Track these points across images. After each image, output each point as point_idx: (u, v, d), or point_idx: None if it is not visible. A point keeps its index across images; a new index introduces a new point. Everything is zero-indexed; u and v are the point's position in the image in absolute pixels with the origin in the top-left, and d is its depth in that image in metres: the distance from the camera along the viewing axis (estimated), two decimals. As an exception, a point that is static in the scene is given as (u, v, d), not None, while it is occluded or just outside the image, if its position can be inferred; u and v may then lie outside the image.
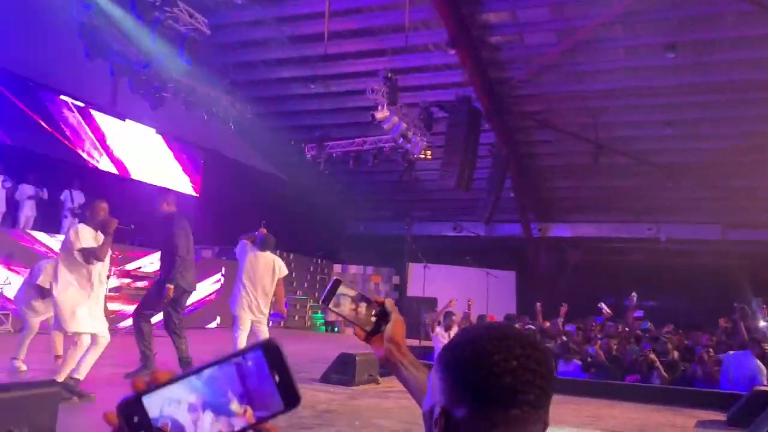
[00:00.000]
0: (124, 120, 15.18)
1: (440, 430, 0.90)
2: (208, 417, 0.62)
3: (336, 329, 19.04)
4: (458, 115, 13.94)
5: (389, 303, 1.24)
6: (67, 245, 5.31)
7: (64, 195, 12.67)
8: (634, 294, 11.62)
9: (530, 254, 19.84)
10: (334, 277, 1.25)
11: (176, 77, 12.00)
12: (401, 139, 13.09)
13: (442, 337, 9.37)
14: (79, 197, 12.68)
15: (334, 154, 15.73)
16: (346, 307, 1.21)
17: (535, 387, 0.87)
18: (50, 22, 11.54)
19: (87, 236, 5.24)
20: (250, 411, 0.63)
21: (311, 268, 20.43)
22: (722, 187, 15.69)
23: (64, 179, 12.86)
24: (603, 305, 11.94)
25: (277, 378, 0.62)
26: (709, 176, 15.39)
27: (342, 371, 7.04)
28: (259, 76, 15.82)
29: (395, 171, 17.27)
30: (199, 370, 0.63)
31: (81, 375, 5.10)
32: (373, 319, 1.21)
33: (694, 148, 15.23)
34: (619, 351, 9.31)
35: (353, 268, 21.04)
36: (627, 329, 10.75)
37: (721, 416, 6.48)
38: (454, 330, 9.56)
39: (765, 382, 7.45)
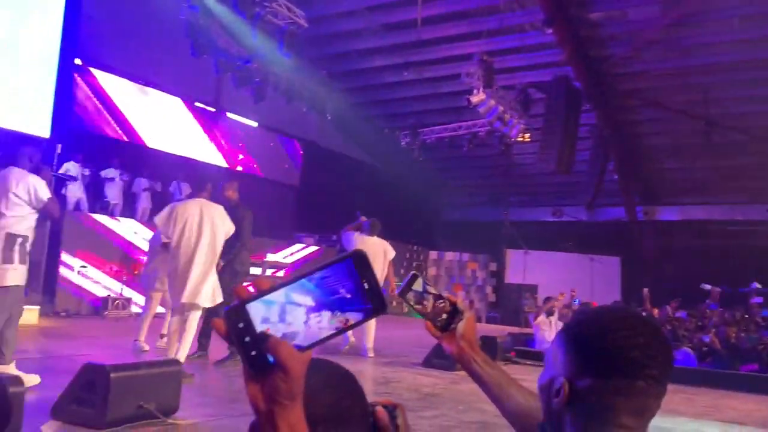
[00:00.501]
0: (227, 114, 15.86)
1: (563, 398, 0.96)
2: (324, 315, 0.65)
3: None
4: (557, 95, 13.52)
5: (461, 302, 1.28)
6: (225, 227, 5.72)
7: (173, 186, 13.40)
8: (756, 284, 10.92)
9: (635, 239, 19.02)
10: (412, 272, 1.29)
11: (277, 71, 12.38)
12: (498, 123, 12.88)
13: (544, 325, 9.21)
14: (186, 188, 13.37)
15: (429, 141, 15.72)
16: (421, 301, 1.25)
17: (659, 363, 0.94)
18: (158, 24, 12.21)
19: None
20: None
21: (407, 255, 20.57)
22: None
23: (171, 173, 13.56)
24: (707, 285, 11.31)
25: (366, 285, 0.66)
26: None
27: (443, 356, 7.05)
28: (353, 66, 16.02)
29: (491, 155, 17.04)
30: (302, 276, 0.65)
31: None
32: (445, 316, 1.25)
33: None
34: (736, 339, 8.78)
35: (449, 255, 20.98)
36: (746, 316, 10.12)
37: None
38: (555, 317, 9.38)
39: None
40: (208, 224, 5.59)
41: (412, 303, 1.25)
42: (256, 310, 0.62)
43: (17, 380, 3.31)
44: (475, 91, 11.70)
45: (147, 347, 6.57)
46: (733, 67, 13.00)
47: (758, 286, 10.94)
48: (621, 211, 18.63)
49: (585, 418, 0.95)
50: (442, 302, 1.26)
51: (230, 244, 6.15)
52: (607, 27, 13.06)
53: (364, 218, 7.58)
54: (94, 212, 11.68)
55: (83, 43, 10.97)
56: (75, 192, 11.60)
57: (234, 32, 11.03)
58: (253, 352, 0.62)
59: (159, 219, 5.63)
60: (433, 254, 20.98)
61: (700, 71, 13.41)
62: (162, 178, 13.28)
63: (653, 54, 13.37)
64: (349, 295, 0.65)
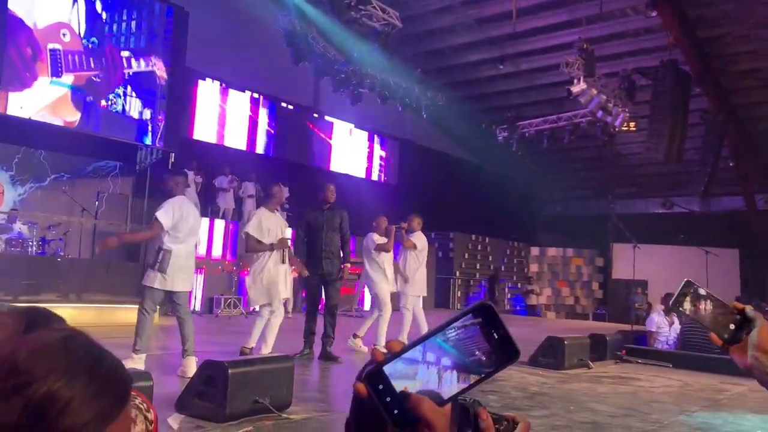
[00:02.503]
0: (326, 118, 16.26)
1: None
2: (455, 375, 0.66)
3: (538, 314, 18.68)
4: (664, 81, 12.83)
5: (751, 309, 1.16)
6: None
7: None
8: None
9: (755, 229, 17.71)
10: (686, 279, 1.21)
11: (372, 72, 12.54)
12: (600, 112, 12.40)
13: (662, 324, 8.80)
14: (286, 192, 13.81)
15: (527, 134, 15.39)
16: (700, 310, 1.18)
17: None
18: (257, 34, 12.69)
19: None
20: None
21: (507, 251, 20.25)
22: None
23: (273, 176, 14.06)
24: None
25: (495, 335, 0.66)
26: None
27: (550, 354, 6.90)
28: (448, 62, 15.96)
29: (593, 147, 16.45)
30: (437, 332, 0.67)
31: None
32: (732, 326, 1.15)
33: None
34: None
35: (552, 251, 20.45)
36: None
37: None
38: (675, 315, 8.91)
39: None
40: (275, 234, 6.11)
41: (690, 312, 1.18)
42: (393, 371, 0.66)
43: (146, 375, 3.56)
44: (575, 80, 11.34)
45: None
46: None
47: None
48: (738, 201, 17.44)
49: None
50: (726, 310, 1.16)
51: (331, 243, 6.61)
52: (718, 4, 12.27)
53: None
54: (206, 217, 12.32)
55: (191, 53, 11.57)
56: (190, 197, 12.27)
57: (330, 37, 11.28)
58: (396, 411, 0.65)
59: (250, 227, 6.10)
60: (534, 250, 20.53)
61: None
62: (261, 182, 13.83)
63: (770, 30, 12.41)
64: (484, 358, 0.67)
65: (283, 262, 6.06)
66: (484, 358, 0.67)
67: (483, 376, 0.67)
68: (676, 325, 8.67)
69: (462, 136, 18.82)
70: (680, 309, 1.17)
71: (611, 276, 18.93)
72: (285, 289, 6.09)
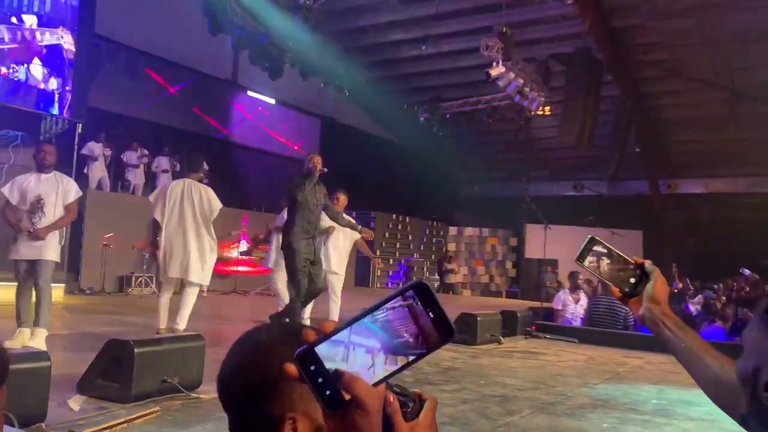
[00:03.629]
0: (246, 92, 15.86)
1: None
2: (386, 355, 0.66)
3: (454, 291, 19.11)
4: (578, 67, 13.30)
5: (649, 264, 1.20)
6: (208, 206, 6.00)
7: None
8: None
9: (658, 212, 18.78)
10: (589, 236, 1.24)
11: (293, 47, 12.30)
12: (517, 96, 12.72)
13: (569, 301, 9.18)
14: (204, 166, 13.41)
15: (448, 115, 15.59)
16: (602, 265, 1.20)
17: None
18: (175, 3, 12.16)
19: None
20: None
21: (426, 231, 20.55)
22: None
23: (187, 150, 13.60)
24: (746, 270, 11.10)
25: (431, 314, 0.66)
26: None
27: (464, 331, 7.07)
28: (371, 40, 15.86)
29: (511, 130, 16.86)
30: (365, 315, 0.66)
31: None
32: (632, 280, 1.19)
33: None
34: None
35: (469, 231, 20.92)
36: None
37: None
38: (581, 292, 9.32)
39: None
40: (189, 204, 5.87)
41: (592, 267, 1.21)
42: (323, 352, 0.65)
43: (44, 355, 3.37)
44: (494, 64, 11.54)
45: None
46: (760, 36, 12.64)
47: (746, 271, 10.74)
48: (643, 185, 18.40)
49: None
50: (626, 265, 1.19)
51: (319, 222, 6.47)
52: (630, -4, 12.78)
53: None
54: (116, 191, 11.80)
55: (100, 15, 10.92)
56: (97, 171, 11.72)
57: (250, 9, 10.95)
58: (328, 392, 0.64)
59: (151, 197, 6.10)
60: (453, 230, 20.94)
61: (725, 40, 13.06)
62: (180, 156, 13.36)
63: (677, 23, 13.04)
64: (412, 339, 0.66)
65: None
66: (412, 340, 0.66)
67: (415, 357, 0.67)
68: (582, 302, 9.08)
69: (384, 116, 18.83)
70: (583, 264, 1.20)
71: (524, 255, 19.59)
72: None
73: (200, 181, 6.13)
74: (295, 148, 17.11)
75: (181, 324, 5.69)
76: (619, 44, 13.72)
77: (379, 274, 17.71)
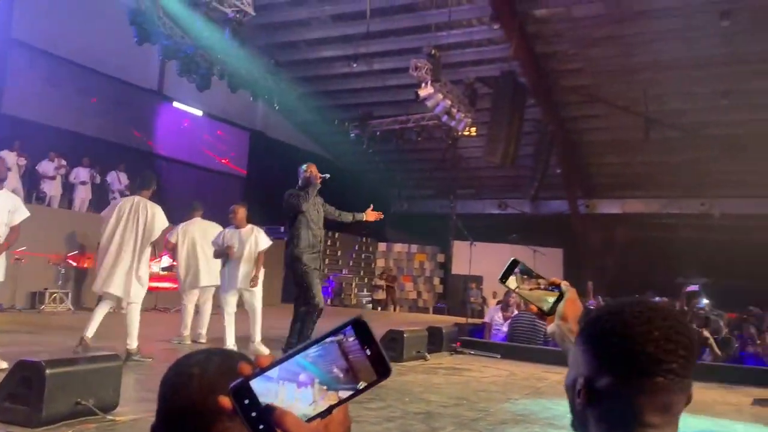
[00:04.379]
0: (172, 103, 15.49)
1: (583, 399, 0.94)
2: (317, 391, 0.66)
3: (381, 308, 19.19)
4: (503, 90, 13.75)
5: (565, 284, 1.28)
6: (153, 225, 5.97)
7: (111, 177, 12.98)
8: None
9: (577, 231, 19.54)
10: (513, 257, 1.31)
11: (222, 59, 12.14)
12: (445, 116, 13.00)
13: (498, 318, 9.38)
14: (124, 179, 12.98)
15: (378, 133, 15.74)
16: (523, 285, 1.27)
17: (678, 356, 0.89)
18: (100, 11, 11.80)
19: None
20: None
21: (356, 247, 20.60)
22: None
23: (110, 162, 13.13)
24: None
25: (368, 351, 0.66)
26: (765, 148, 14.81)
27: (390, 348, 7.10)
28: (302, 56, 15.89)
29: (439, 149, 17.19)
30: (301, 351, 0.67)
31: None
32: (550, 299, 1.26)
33: (749, 120, 14.64)
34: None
35: (398, 247, 21.11)
36: (685, 308, 10.55)
37: (779, 394, 6.31)
38: (513, 309, 9.54)
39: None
40: (135, 222, 5.83)
41: (513, 287, 1.27)
42: (258, 387, 0.65)
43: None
44: (423, 84, 11.77)
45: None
46: (672, 65, 13.46)
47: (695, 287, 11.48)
48: (563, 204, 19.10)
49: (608, 418, 0.92)
50: (546, 285, 1.26)
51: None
52: (553, 24, 13.35)
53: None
54: (30, 203, 11.22)
55: (17, 20, 10.47)
56: (10, 182, 11.11)
57: (178, 19, 10.75)
58: (261, 426, 0.64)
59: (103, 212, 6.05)
60: (382, 246, 21.07)
61: (640, 68, 13.84)
62: (101, 168, 12.88)
63: (597, 51, 13.73)
64: (343, 375, 0.66)
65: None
66: (344, 376, 0.66)
67: (352, 393, 0.67)
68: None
69: (315, 131, 18.83)
70: (506, 284, 1.28)
71: (451, 271, 19.93)
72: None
73: (150, 198, 6.04)
74: (223, 161, 16.85)
75: (132, 343, 5.71)
76: (543, 69, 14.28)
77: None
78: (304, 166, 6.29)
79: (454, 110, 13.01)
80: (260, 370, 0.65)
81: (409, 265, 21.07)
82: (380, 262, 20.86)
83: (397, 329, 7.31)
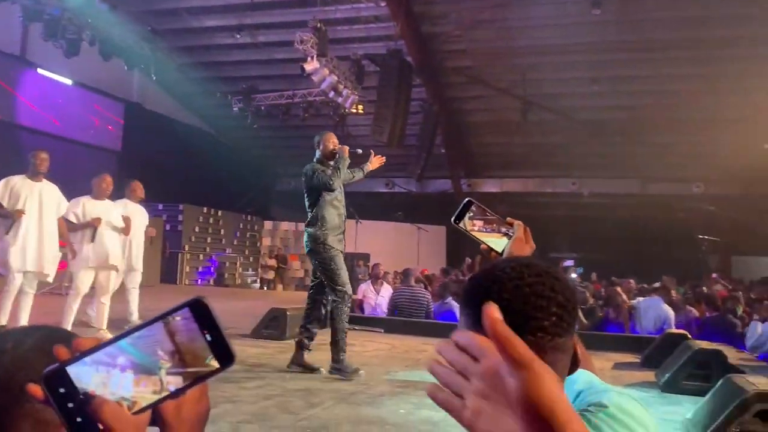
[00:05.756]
0: (37, 70, 14.26)
1: None
2: (138, 377, 0.59)
3: (268, 288, 18.92)
4: (389, 69, 13.81)
5: (517, 224, 1.27)
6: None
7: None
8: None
9: (460, 209, 20.14)
10: (467, 198, 1.31)
11: (92, 23, 11.31)
12: (332, 93, 12.89)
13: (369, 292, 9.52)
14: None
15: (263, 107, 15.36)
16: (476, 225, 1.27)
17: (550, 314, 0.85)
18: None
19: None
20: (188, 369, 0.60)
21: (240, 225, 20.11)
22: (641, 142, 16.29)
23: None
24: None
25: (208, 336, 0.59)
26: (630, 132, 15.95)
27: (273, 326, 7.01)
28: (182, 24, 15.11)
29: (327, 126, 17.04)
30: (126, 334, 0.59)
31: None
32: (504, 240, 1.25)
33: (615, 105, 15.68)
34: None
35: (284, 225, 20.83)
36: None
37: (635, 359, 6.85)
38: (384, 283, 9.68)
39: (673, 326, 7.98)
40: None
41: (465, 228, 1.26)
42: (77, 374, 0.57)
43: None
44: (309, 58, 11.58)
45: None
46: (547, 50, 14.08)
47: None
48: (447, 183, 19.63)
49: None
50: (498, 226, 1.25)
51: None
52: (439, 4, 13.54)
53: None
54: None
55: None
56: None
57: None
58: (79, 419, 0.56)
59: None
60: (268, 224, 20.70)
61: (520, 52, 14.38)
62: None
63: (480, 33, 14.09)
64: (167, 358, 0.58)
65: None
66: (168, 358, 0.59)
67: (190, 383, 0.60)
68: (384, 293, 9.44)
69: (196, 104, 18.08)
70: (459, 225, 1.28)
71: (338, 250, 19.96)
72: None
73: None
74: (95, 134, 15.79)
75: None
76: (428, 49, 14.49)
77: (188, 270, 16.95)
78: (318, 138, 5.69)
79: (341, 86, 12.93)
80: (80, 354, 0.57)
81: (297, 244, 20.88)
82: (266, 241, 20.51)
83: (280, 307, 7.21)
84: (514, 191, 19.84)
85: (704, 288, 10.47)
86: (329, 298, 5.29)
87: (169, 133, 16.75)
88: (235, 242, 19.59)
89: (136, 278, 7.16)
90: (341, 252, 5.36)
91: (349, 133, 18.45)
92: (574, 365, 0.91)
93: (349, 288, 5.26)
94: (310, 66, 11.59)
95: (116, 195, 6.83)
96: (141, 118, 16.53)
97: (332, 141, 5.58)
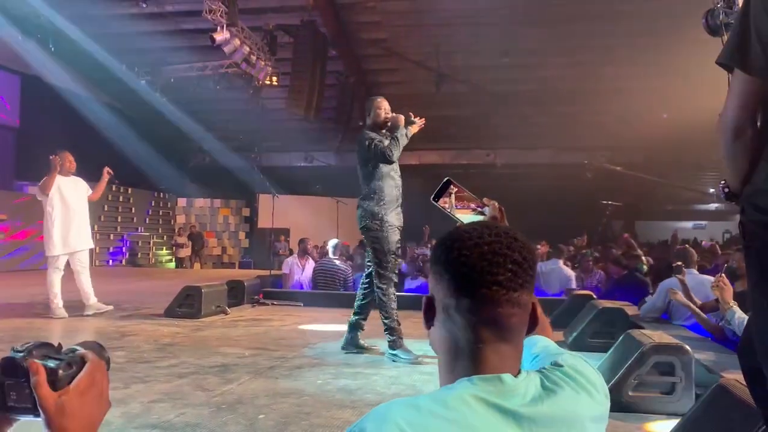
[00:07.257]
0: None
1: (423, 314, 1.00)
2: None
3: (184, 266, 18.46)
4: (304, 40, 13.57)
5: (492, 204, 1.34)
6: None
7: None
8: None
9: (378, 182, 20.24)
10: (446, 178, 1.39)
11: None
12: (244, 64, 12.55)
13: (295, 266, 9.49)
14: None
15: (173, 80, 14.79)
16: (452, 204, 1.34)
17: (506, 270, 0.92)
18: None
19: None
20: None
21: (152, 203, 19.45)
22: (550, 113, 16.84)
23: None
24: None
25: None
26: (540, 103, 16.44)
27: (187, 304, 6.86)
28: (83, -9, 14.22)
29: (242, 99, 16.64)
30: None
31: None
32: (479, 218, 1.31)
33: (524, 77, 16.06)
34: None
35: (200, 202, 20.33)
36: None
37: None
38: (309, 258, 9.67)
39: (574, 285, 8.44)
40: None
41: (443, 206, 1.32)
42: None
43: None
44: (219, 28, 11.19)
45: None
46: (459, 22, 14.20)
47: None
48: (367, 156, 19.63)
49: (449, 335, 0.95)
50: (475, 205, 1.29)
51: None
52: (352, -26, 13.37)
53: None
54: None
55: None
56: None
57: None
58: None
59: None
60: (182, 201, 20.15)
61: (432, 25, 14.43)
62: None
63: (392, 5, 14.03)
64: None
65: None
66: None
67: None
68: (308, 268, 9.45)
69: (100, 77, 17.11)
70: (437, 202, 1.34)
71: (258, 225, 19.70)
72: None
73: None
74: (-11, 109, 14.77)
75: None
76: (343, 20, 14.31)
77: (97, 251, 16.27)
78: (368, 104, 5.30)
79: (254, 57, 12.60)
80: None
81: (213, 221, 20.44)
82: (180, 219, 19.96)
83: (194, 285, 7.06)
84: (432, 163, 20.13)
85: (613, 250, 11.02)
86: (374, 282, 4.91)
87: (72, 108, 15.84)
88: (147, 221, 18.96)
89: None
90: (399, 228, 5.08)
91: (264, 107, 18.13)
92: (533, 324, 0.99)
93: (394, 276, 4.95)
94: (220, 36, 11.20)
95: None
96: (40, 93, 15.54)
97: (384, 108, 5.18)
